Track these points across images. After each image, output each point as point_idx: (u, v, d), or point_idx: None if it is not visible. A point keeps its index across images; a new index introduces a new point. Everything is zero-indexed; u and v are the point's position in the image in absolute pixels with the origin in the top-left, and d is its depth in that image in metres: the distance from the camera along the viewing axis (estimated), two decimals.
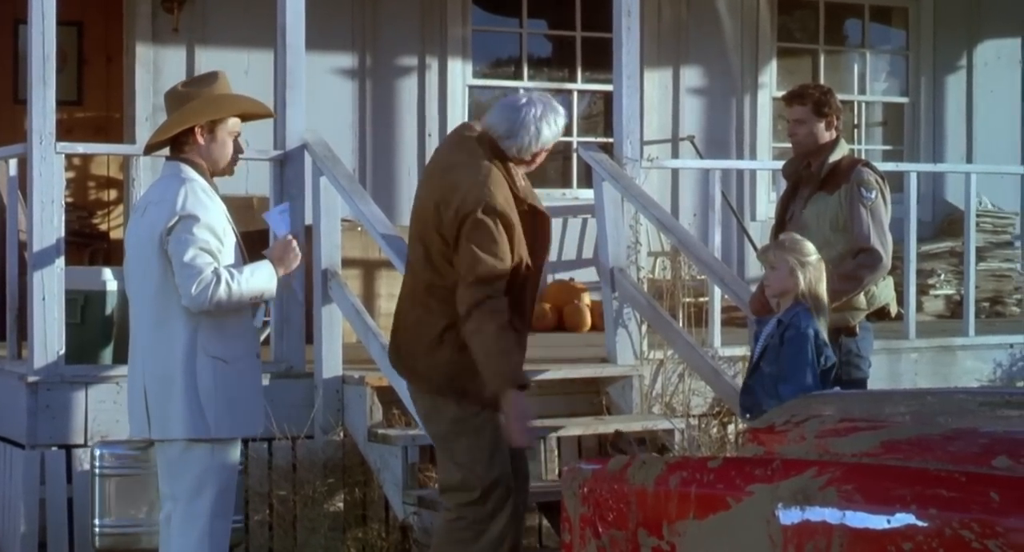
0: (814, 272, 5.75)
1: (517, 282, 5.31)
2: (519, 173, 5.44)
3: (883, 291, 6.52)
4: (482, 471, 5.37)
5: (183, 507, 5.37)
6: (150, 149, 5.64)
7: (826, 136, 6.53)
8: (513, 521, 5.43)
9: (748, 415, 5.91)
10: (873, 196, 6.40)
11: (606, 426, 7.51)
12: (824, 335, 5.71)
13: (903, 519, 3.44)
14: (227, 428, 5.37)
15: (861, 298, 6.41)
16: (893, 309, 6.63)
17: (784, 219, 6.68)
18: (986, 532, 3.31)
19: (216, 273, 5.22)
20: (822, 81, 11.85)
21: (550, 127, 5.37)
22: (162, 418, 5.33)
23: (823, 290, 5.77)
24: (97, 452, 6.52)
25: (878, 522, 3.48)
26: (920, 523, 3.41)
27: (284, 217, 5.69)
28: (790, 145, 6.84)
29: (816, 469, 3.65)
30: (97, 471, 6.51)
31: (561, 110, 5.47)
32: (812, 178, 6.56)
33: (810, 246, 5.82)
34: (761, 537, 3.68)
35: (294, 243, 5.53)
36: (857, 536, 3.51)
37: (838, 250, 6.38)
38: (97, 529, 6.53)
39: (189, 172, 5.35)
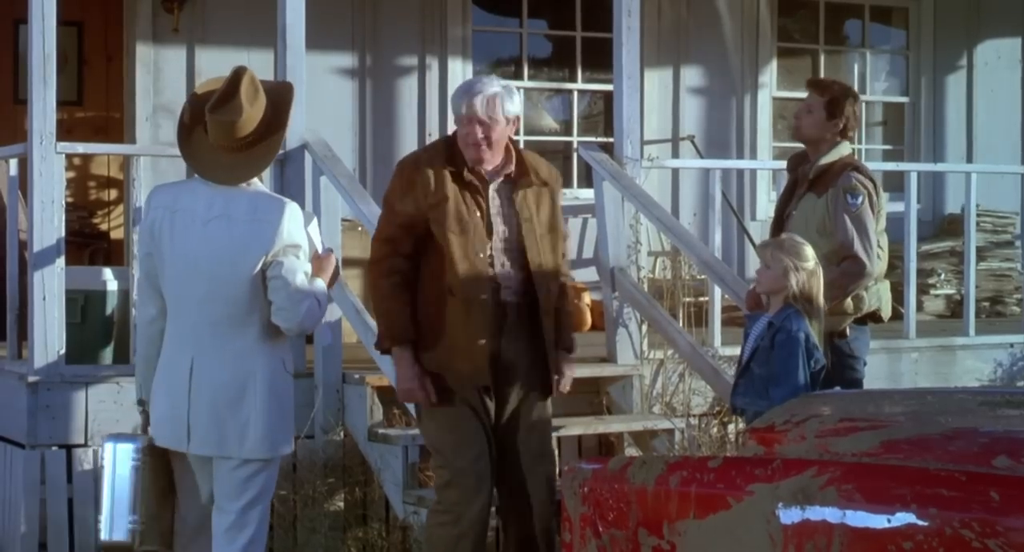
0: (809, 277, 5.72)
1: (432, 246, 5.53)
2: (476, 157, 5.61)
3: (874, 295, 6.49)
4: (450, 456, 5.58)
5: (237, 515, 5.22)
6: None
7: (827, 135, 6.50)
8: (486, 511, 5.59)
9: (741, 413, 5.92)
10: (859, 202, 6.34)
11: (606, 426, 7.53)
12: (815, 338, 5.71)
13: (903, 518, 3.44)
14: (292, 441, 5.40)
15: (848, 302, 6.40)
16: (886, 314, 6.57)
17: (782, 216, 6.67)
18: (986, 531, 3.31)
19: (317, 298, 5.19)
20: None
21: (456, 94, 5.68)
22: (238, 436, 5.15)
23: (818, 295, 5.75)
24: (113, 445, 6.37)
25: (878, 521, 3.48)
26: (920, 522, 3.42)
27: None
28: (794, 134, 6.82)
29: (816, 469, 3.66)
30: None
31: (474, 86, 5.64)
32: (805, 177, 6.55)
33: (810, 251, 5.78)
34: (761, 536, 3.68)
35: (333, 256, 5.43)
36: (857, 535, 3.51)
37: (823, 253, 6.35)
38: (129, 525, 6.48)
39: (262, 187, 5.28)
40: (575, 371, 5.82)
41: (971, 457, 3.61)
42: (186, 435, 5.18)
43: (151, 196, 5.36)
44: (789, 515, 3.64)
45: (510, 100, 5.57)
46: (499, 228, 5.59)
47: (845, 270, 6.30)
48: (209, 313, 5.15)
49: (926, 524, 3.40)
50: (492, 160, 5.61)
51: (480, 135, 5.53)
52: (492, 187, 5.62)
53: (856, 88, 12.03)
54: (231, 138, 5.12)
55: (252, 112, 5.12)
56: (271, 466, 5.29)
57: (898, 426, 3.97)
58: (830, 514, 3.56)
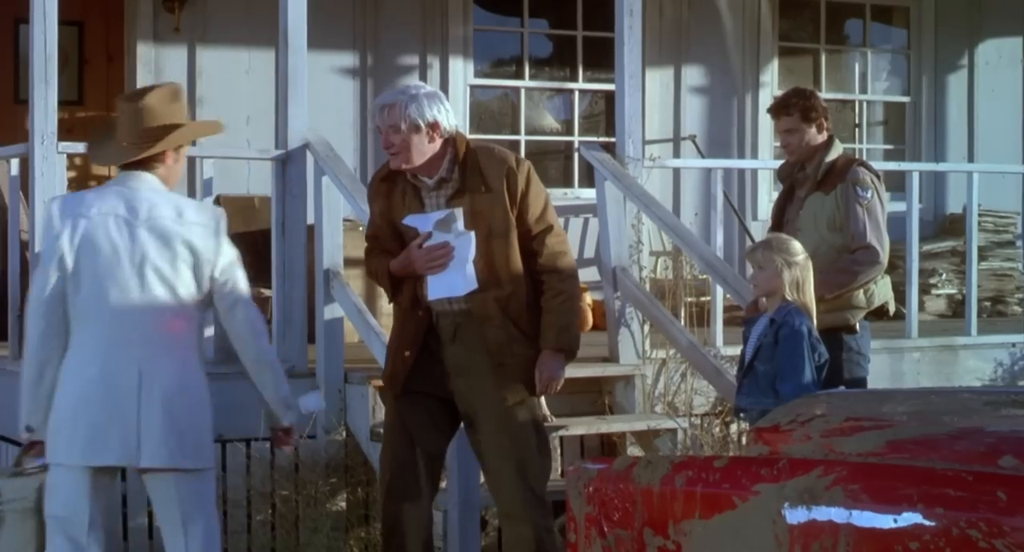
0: (801, 272, 5.77)
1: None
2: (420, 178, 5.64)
3: (881, 290, 6.54)
4: (381, 458, 5.80)
5: (204, 526, 5.13)
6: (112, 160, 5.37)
7: (819, 138, 6.59)
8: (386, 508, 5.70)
9: (743, 415, 5.92)
10: (869, 195, 6.43)
11: (609, 425, 7.52)
12: (816, 332, 5.74)
13: (910, 518, 3.42)
14: None
15: (861, 297, 6.42)
16: (891, 308, 6.65)
17: (781, 221, 6.71)
18: (993, 531, 3.30)
19: None
20: (823, 80, 11.87)
21: None
22: (201, 444, 5.10)
23: (810, 289, 5.80)
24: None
25: (885, 521, 3.47)
26: (927, 522, 3.40)
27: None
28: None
29: (822, 468, 3.64)
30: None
31: (381, 97, 5.70)
32: (808, 179, 6.59)
33: (797, 246, 5.85)
34: (767, 537, 3.67)
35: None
36: (864, 535, 3.50)
37: (836, 249, 6.40)
38: None
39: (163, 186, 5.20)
40: (556, 370, 5.59)
41: (977, 457, 3.59)
42: (137, 447, 4.97)
43: (60, 206, 5.11)
44: (795, 515, 3.62)
45: (418, 106, 5.49)
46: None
47: (857, 258, 6.36)
48: (151, 320, 5.03)
49: (933, 524, 3.39)
50: (424, 168, 5.57)
51: (388, 144, 5.56)
52: (430, 196, 5.62)
53: (857, 87, 12.09)
54: (134, 124, 5.10)
55: (160, 107, 5.11)
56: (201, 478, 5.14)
57: (903, 426, 3.95)
58: (836, 514, 3.55)
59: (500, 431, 5.57)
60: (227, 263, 5.15)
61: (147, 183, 5.12)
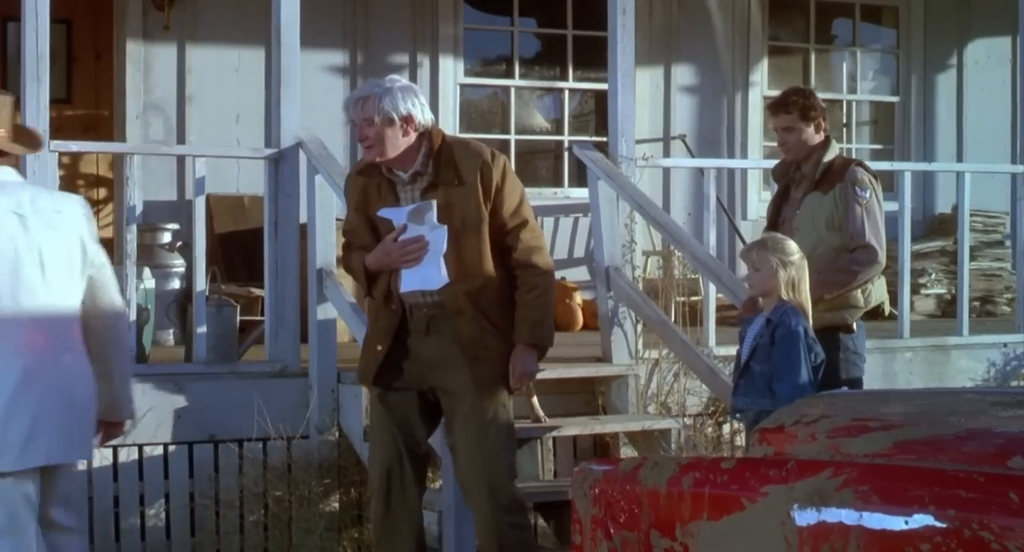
0: (797, 271, 5.76)
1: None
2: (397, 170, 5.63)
3: (878, 290, 6.55)
4: (369, 458, 5.86)
5: (77, 520, 5.14)
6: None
7: (816, 138, 6.59)
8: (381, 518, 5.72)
9: (738, 416, 5.90)
10: (867, 195, 6.46)
11: (602, 426, 7.49)
12: (812, 332, 5.72)
13: (921, 520, 3.40)
14: None
15: (859, 296, 6.42)
16: (887, 308, 6.66)
17: (776, 221, 6.70)
18: (1005, 533, 3.28)
19: None
20: (812, 80, 11.87)
21: None
22: (88, 435, 5.02)
23: (806, 289, 5.79)
24: None
25: (896, 523, 3.45)
26: (938, 524, 3.38)
27: None
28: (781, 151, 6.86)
29: (832, 470, 3.62)
30: None
31: (357, 91, 5.80)
32: (804, 179, 6.60)
33: (792, 245, 5.84)
34: (776, 538, 3.64)
35: None
36: (874, 537, 3.48)
37: (834, 249, 6.41)
38: None
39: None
40: (530, 364, 5.59)
41: (986, 458, 3.57)
42: (63, 444, 4.88)
43: None
44: (804, 517, 3.60)
45: (392, 99, 5.49)
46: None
47: (856, 257, 6.37)
48: (59, 319, 4.92)
49: (944, 525, 3.37)
50: (398, 161, 5.56)
51: (362, 137, 5.55)
52: (404, 189, 5.61)
53: (846, 87, 12.10)
54: (9, 117, 5.07)
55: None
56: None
57: (910, 427, 3.93)
58: (846, 516, 3.52)
59: (470, 426, 5.57)
60: (101, 251, 5.10)
61: (15, 177, 5.05)
